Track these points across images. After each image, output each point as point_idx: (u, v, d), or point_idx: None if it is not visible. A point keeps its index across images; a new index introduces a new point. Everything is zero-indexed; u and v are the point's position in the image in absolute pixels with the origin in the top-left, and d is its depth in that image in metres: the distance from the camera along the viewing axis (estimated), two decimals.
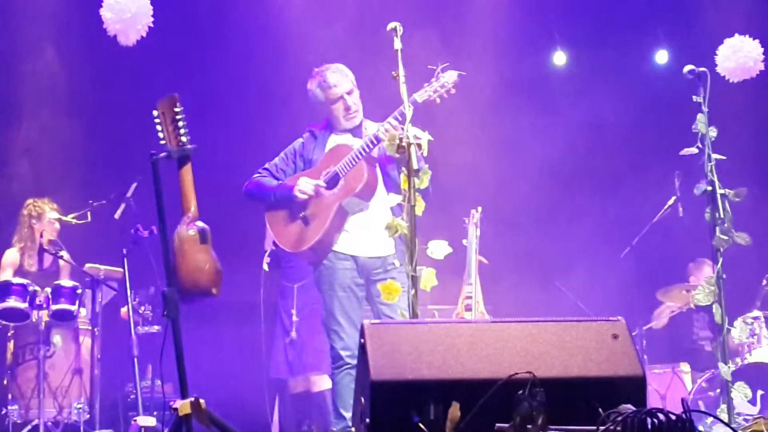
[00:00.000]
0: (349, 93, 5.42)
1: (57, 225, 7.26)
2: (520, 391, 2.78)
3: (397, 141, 4.37)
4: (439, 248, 4.50)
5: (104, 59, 7.69)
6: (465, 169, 7.63)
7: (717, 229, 5.04)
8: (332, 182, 5.32)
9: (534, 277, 7.90)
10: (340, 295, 5.30)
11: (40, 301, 6.73)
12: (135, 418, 5.15)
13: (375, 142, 5.19)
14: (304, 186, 5.33)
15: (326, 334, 5.38)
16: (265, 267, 6.44)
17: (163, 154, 3.89)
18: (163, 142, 3.93)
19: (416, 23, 6.17)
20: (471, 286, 6.76)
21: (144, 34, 6.10)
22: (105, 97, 8.13)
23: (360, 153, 5.24)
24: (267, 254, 6.50)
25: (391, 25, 4.55)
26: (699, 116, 5.16)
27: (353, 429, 3.60)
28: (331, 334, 5.30)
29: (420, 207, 4.36)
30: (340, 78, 5.43)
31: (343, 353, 5.21)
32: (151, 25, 6.08)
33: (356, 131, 5.43)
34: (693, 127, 5.15)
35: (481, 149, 7.93)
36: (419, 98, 5.02)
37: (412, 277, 4.27)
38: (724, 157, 5.13)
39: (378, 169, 5.35)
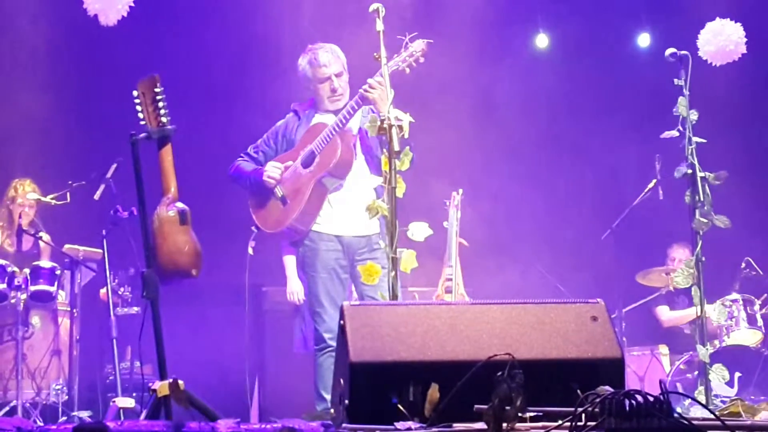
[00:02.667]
0: (338, 75, 5.40)
1: (27, 210, 7.16)
2: (499, 373, 2.78)
3: (378, 122, 4.36)
4: (419, 230, 4.50)
5: (84, 39, 7.61)
6: (446, 150, 7.61)
7: (697, 212, 5.06)
8: (309, 160, 5.31)
9: (514, 260, 7.91)
10: (323, 276, 5.31)
11: (18, 281, 6.68)
12: (114, 400, 5.13)
13: (356, 106, 5.15)
14: (271, 171, 5.35)
15: (310, 315, 5.39)
16: (250, 251, 6.43)
17: (143, 135, 3.88)
18: (143, 122, 3.91)
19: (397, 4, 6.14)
20: (451, 269, 6.76)
21: (125, 14, 6.05)
22: (85, 77, 8.06)
23: (335, 128, 5.20)
24: (252, 238, 6.49)
25: (373, 7, 4.53)
26: (680, 99, 5.16)
27: (332, 410, 3.60)
28: (315, 316, 5.32)
29: (401, 189, 4.36)
30: (331, 58, 5.40)
31: (325, 335, 5.22)
32: (132, 4, 6.03)
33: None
34: (674, 110, 5.16)
35: (462, 131, 7.91)
36: (388, 69, 5.00)
37: (392, 259, 4.27)
38: (704, 140, 5.14)
39: (359, 147, 5.33)
